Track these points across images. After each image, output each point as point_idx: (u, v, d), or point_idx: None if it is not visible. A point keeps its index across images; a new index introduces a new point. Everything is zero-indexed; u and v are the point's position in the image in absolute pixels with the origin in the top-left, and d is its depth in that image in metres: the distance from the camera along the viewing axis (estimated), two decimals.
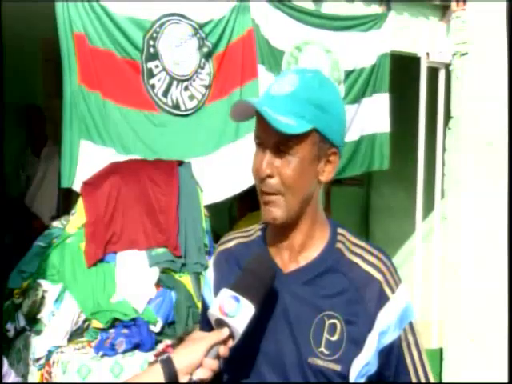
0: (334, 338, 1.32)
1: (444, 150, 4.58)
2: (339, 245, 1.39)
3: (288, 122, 1.28)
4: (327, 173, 1.36)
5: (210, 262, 1.55)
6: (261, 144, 1.34)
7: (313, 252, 1.38)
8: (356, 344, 1.31)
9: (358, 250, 1.39)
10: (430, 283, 4.60)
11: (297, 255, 1.38)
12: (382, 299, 1.33)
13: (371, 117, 4.29)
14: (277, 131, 1.28)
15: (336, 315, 1.33)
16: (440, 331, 4.58)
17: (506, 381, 3.78)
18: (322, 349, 1.32)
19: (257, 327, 1.35)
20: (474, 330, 4.50)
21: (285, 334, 1.35)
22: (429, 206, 4.69)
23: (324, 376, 1.31)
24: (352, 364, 1.31)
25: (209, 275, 1.53)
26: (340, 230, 1.42)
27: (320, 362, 1.31)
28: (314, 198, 1.38)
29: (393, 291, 1.34)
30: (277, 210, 1.33)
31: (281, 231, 1.39)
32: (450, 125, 4.54)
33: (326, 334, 1.32)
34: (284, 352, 1.34)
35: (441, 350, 4.55)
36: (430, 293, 4.61)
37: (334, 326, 1.32)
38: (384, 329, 1.32)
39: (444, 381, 4.51)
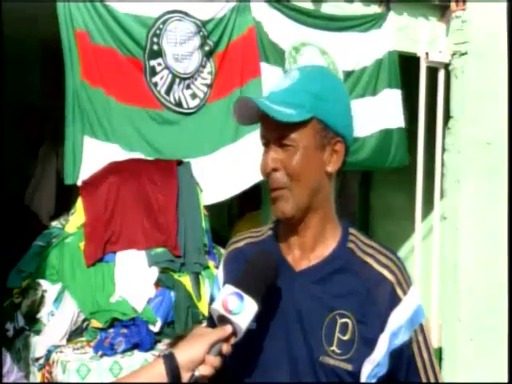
0: (346, 338, 1.32)
1: (443, 149, 4.58)
2: (351, 244, 1.39)
3: (287, 112, 1.29)
4: (333, 163, 1.36)
5: (221, 261, 1.54)
6: (266, 143, 1.36)
7: (324, 250, 1.38)
8: (367, 344, 1.31)
9: (370, 251, 1.39)
10: (429, 283, 4.60)
11: (308, 253, 1.38)
12: (394, 300, 1.33)
13: (391, 110, 4.27)
14: (278, 125, 1.29)
15: (348, 314, 1.33)
16: (439, 331, 4.57)
17: (505, 381, 3.79)
18: (334, 348, 1.32)
19: (268, 324, 1.35)
20: (474, 329, 4.50)
21: (296, 332, 1.34)
22: (428, 206, 4.69)
23: (335, 375, 1.31)
24: (363, 364, 1.31)
25: (219, 274, 1.52)
26: (351, 231, 1.42)
27: (331, 361, 1.31)
28: (324, 193, 1.37)
29: (405, 293, 1.35)
30: (285, 204, 1.34)
31: (291, 229, 1.39)
32: (450, 125, 4.54)
33: (337, 333, 1.32)
34: (295, 350, 1.34)
35: (440, 349, 4.55)
36: (429, 292, 4.61)
37: (345, 325, 1.32)
38: (395, 330, 1.32)
39: (443, 381, 4.50)
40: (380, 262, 1.37)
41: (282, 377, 1.34)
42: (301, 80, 1.34)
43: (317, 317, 1.34)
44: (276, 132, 1.32)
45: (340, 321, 1.32)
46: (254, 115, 1.36)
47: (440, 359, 4.53)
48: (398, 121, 4.31)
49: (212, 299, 1.53)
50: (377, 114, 4.25)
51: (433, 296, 4.59)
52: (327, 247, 1.39)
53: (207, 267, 3.45)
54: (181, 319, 3.23)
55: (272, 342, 1.36)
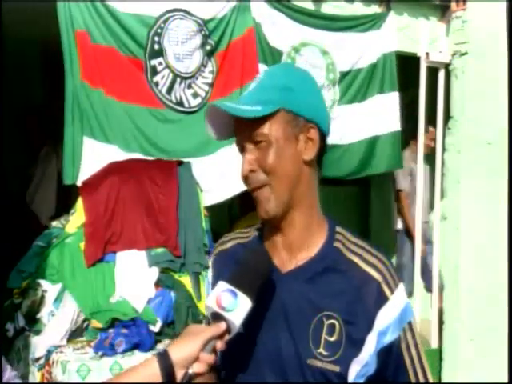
0: (333, 339, 1.31)
1: (444, 149, 4.58)
2: (337, 243, 1.38)
3: (252, 109, 1.31)
4: (309, 150, 1.35)
5: (209, 263, 1.54)
6: (241, 149, 1.37)
7: (311, 251, 1.37)
8: (355, 344, 1.30)
9: (357, 250, 1.38)
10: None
11: (295, 254, 1.38)
12: (381, 299, 1.32)
13: (382, 116, 4.26)
14: (247, 125, 1.31)
15: (335, 315, 1.32)
16: (439, 331, 4.58)
17: (505, 381, 3.79)
18: (321, 350, 1.31)
19: (256, 327, 1.35)
20: (474, 329, 4.50)
21: (284, 334, 1.34)
22: (428, 206, 4.69)
23: (323, 377, 1.30)
24: (351, 365, 1.30)
25: (209, 277, 1.52)
26: (338, 229, 1.41)
27: (319, 364, 1.30)
28: (305, 183, 1.36)
29: (392, 291, 1.33)
30: (267, 203, 1.34)
31: (277, 230, 1.39)
32: (450, 125, 4.54)
33: (324, 335, 1.31)
34: (283, 352, 1.33)
35: (440, 349, 4.55)
36: (429, 293, 4.61)
37: (332, 326, 1.31)
38: (383, 329, 1.31)
39: (443, 381, 4.51)
40: (367, 261, 1.36)
41: (271, 378, 1.34)
42: (265, 78, 1.37)
43: (304, 318, 1.33)
44: (246, 132, 1.33)
45: (327, 322, 1.32)
46: (228, 126, 1.37)
47: (440, 359, 4.53)
48: (391, 125, 4.29)
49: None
50: (363, 122, 4.23)
51: (433, 296, 4.59)
52: (314, 246, 1.37)
53: (207, 267, 3.44)
54: (181, 319, 3.23)
55: (260, 343, 1.35)
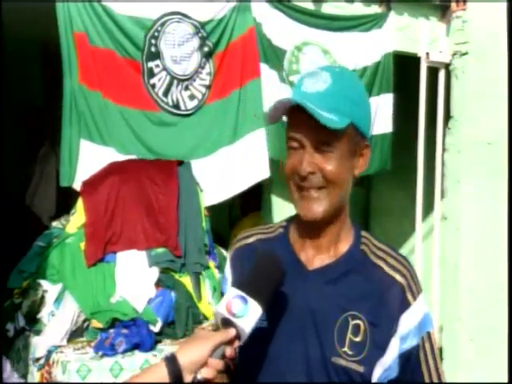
0: (358, 339, 1.33)
1: (444, 149, 4.58)
2: (363, 247, 1.41)
3: (330, 117, 1.28)
4: (360, 167, 1.38)
5: (227, 258, 1.54)
6: (298, 146, 1.34)
7: (338, 251, 1.40)
8: (379, 347, 1.33)
9: (382, 254, 1.41)
10: (429, 283, 4.60)
11: (322, 253, 1.40)
12: (404, 304, 1.35)
13: (378, 116, 4.27)
14: (317, 129, 1.28)
15: (360, 316, 1.34)
16: (439, 331, 4.58)
17: (505, 381, 3.79)
18: (346, 349, 1.33)
19: (282, 324, 1.36)
20: (474, 329, 4.50)
21: (310, 331, 1.35)
22: (428, 206, 4.69)
23: (347, 375, 1.32)
24: (375, 367, 1.32)
25: (227, 272, 1.52)
26: (364, 234, 1.44)
27: (343, 362, 1.32)
28: (348, 195, 1.40)
29: (414, 298, 1.36)
30: (318, 206, 1.34)
31: (308, 230, 1.40)
32: (450, 125, 4.54)
33: (349, 335, 1.33)
34: (309, 350, 1.34)
35: (440, 349, 4.55)
36: (429, 292, 4.61)
37: (357, 326, 1.33)
38: (404, 334, 1.34)
39: None
40: (391, 266, 1.38)
41: (297, 376, 1.35)
42: (335, 83, 1.32)
43: (329, 317, 1.34)
44: (315, 136, 1.31)
45: (352, 322, 1.33)
46: (282, 112, 1.36)
47: (440, 359, 4.53)
48: (384, 126, 4.29)
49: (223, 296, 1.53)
50: (377, 117, 4.24)
51: (433, 296, 4.59)
52: (341, 248, 1.40)
53: (208, 267, 3.45)
54: (181, 319, 3.23)
55: (287, 341, 1.36)
